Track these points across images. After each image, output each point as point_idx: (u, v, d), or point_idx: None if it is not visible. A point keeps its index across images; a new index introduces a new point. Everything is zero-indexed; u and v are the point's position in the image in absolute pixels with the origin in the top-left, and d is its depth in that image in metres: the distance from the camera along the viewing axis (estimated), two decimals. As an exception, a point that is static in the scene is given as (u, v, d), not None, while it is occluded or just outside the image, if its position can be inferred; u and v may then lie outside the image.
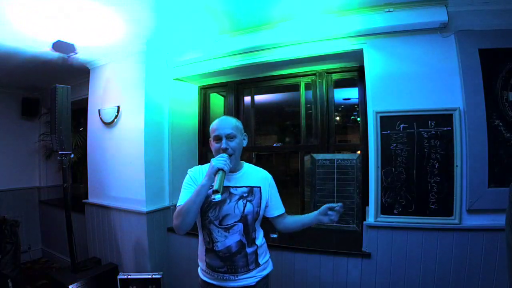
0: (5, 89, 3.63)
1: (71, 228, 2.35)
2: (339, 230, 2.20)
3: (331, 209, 1.26)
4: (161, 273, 2.21)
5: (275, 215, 1.38)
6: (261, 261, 1.32)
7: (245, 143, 1.33)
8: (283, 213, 1.41)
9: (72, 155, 2.39)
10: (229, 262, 1.25)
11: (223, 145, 1.23)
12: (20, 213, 3.53)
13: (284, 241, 2.06)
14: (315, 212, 1.31)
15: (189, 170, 1.34)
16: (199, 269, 1.37)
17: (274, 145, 4.42)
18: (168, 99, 2.62)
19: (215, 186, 1.09)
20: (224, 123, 1.26)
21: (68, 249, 2.34)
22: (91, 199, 2.82)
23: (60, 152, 2.26)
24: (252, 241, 1.29)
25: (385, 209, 1.80)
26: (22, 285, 2.63)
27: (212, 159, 1.19)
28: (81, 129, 3.56)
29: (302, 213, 2.46)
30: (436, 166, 1.72)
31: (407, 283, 1.75)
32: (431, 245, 1.71)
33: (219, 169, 1.13)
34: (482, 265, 1.63)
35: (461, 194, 1.67)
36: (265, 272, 1.34)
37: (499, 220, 1.59)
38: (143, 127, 2.40)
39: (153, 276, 2.18)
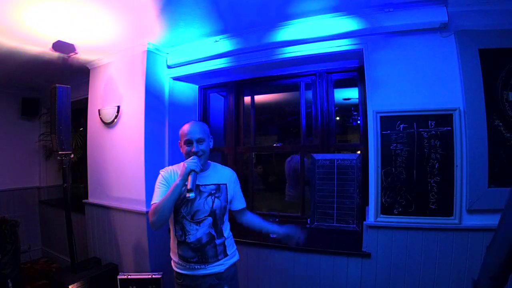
0: (5, 89, 3.63)
1: (71, 228, 2.35)
2: (339, 230, 2.20)
3: (291, 236, 1.49)
4: (161, 273, 2.21)
5: (238, 208, 1.56)
6: (229, 251, 1.47)
7: (211, 144, 1.48)
8: (244, 207, 1.59)
9: (72, 155, 2.39)
10: (200, 253, 1.38)
11: (195, 149, 1.37)
12: (20, 213, 3.53)
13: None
14: (282, 230, 1.51)
15: (160, 170, 1.47)
16: (171, 262, 1.50)
17: (274, 145, 4.42)
18: (168, 99, 2.62)
19: (190, 185, 1.22)
20: (194, 129, 1.40)
21: (68, 249, 2.35)
22: (91, 199, 2.82)
23: (60, 152, 2.26)
24: (220, 233, 1.44)
25: (385, 209, 1.80)
26: (22, 285, 2.63)
27: (185, 161, 1.33)
28: (81, 129, 3.56)
29: (302, 213, 2.46)
30: (436, 166, 1.72)
31: (407, 283, 1.75)
32: (431, 245, 1.71)
33: (191, 170, 1.27)
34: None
35: (461, 194, 1.67)
36: (232, 260, 1.48)
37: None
38: (143, 127, 2.40)
39: (153, 276, 2.18)
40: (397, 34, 1.82)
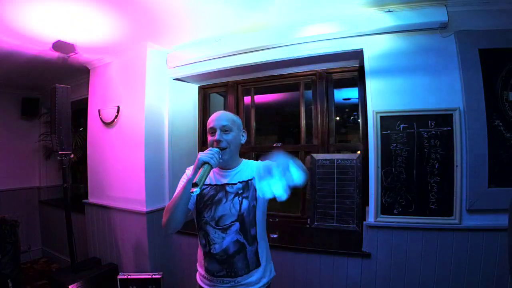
0: (5, 89, 3.63)
1: (71, 228, 2.35)
2: (339, 230, 2.20)
3: None
4: (161, 273, 2.21)
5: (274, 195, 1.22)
6: (262, 260, 1.22)
7: (243, 139, 1.25)
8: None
9: (72, 155, 2.39)
10: (227, 265, 1.16)
11: (217, 137, 1.15)
12: (20, 213, 3.52)
13: (284, 241, 2.06)
14: None
15: (187, 168, 1.28)
16: (197, 274, 1.29)
17: (274, 145, 4.41)
18: (168, 99, 2.62)
19: (196, 179, 1.00)
20: (220, 116, 1.20)
21: (68, 249, 2.35)
22: (91, 199, 2.82)
23: (60, 152, 2.26)
24: (252, 240, 1.19)
25: (385, 209, 1.80)
26: (22, 285, 2.63)
27: (200, 152, 1.13)
28: (81, 129, 3.56)
29: (303, 213, 2.46)
30: (436, 166, 1.72)
31: (407, 283, 1.75)
32: (431, 245, 1.71)
33: (204, 162, 1.05)
34: (482, 265, 1.63)
35: (461, 194, 1.67)
36: (266, 276, 1.23)
37: (499, 220, 1.59)
38: (143, 127, 2.40)
39: (153, 276, 2.18)
40: (397, 34, 1.82)
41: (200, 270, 1.25)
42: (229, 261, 1.16)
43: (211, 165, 1.06)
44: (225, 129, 1.17)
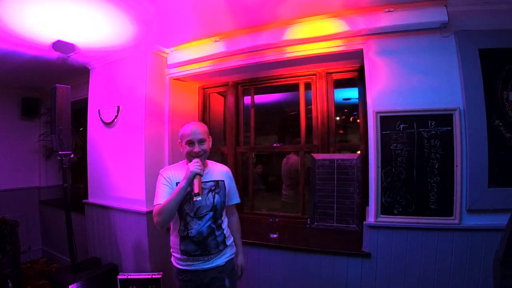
0: (5, 89, 3.63)
1: (71, 228, 2.35)
2: (339, 230, 2.20)
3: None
4: (161, 273, 2.22)
5: (232, 203, 1.63)
6: (227, 242, 1.54)
7: (210, 144, 1.54)
8: (236, 204, 1.66)
9: (72, 155, 2.39)
10: (203, 245, 1.43)
11: (197, 149, 1.43)
12: (20, 213, 3.52)
13: (284, 241, 2.06)
14: (238, 259, 1.66)
15: (160, 170, 1.52)
16: (172, 258, 1.54)
17: (274, 145, 4.42)
18: (168, 99, 2.62)
19: (196, 189, 1.28)
20: (196, 129, 1.45)
21: (68, 249, 2.35)
22: (91, 199, 2.82)
23: (60, 152, 2.27)
24: (219, 226, 1.50)
25: (385, 209, 1.80)
26: (22, 285, 2.63)
27: (189, 164, 1.37)
28: (81, 129, 3.56)
29: (303, 213, 2.47)
30: (436, 166, 1.72)
31: (407, 283, 1.75)
32: (431, 245, 1.71)
33: (196, 174, 1.32)
34: (482, 265, 1.63)
35: (461, 194, 1.67)
36: (231, 252, 1.56)
37: (499, 220, 1.59)
38: (143, 127, 2.40)
39: (153, 276, 2.18)
40: (397, 34, 1.82)
41: (176, 254, 1.50)
42: (204, 242, 1.44)
43: (201, 175, 1.35)
44: (201, 141, 1.45)
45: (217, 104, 3.10)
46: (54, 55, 2.52)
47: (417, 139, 1.76)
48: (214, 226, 1.47)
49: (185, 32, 2.27)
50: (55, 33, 2.16)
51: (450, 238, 1.68)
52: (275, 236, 2.13)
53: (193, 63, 2.46)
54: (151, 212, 2.36)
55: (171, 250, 1.55)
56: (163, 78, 2.60)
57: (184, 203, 1.41)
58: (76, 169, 3.70)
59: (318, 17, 1.97)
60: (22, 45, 2.33)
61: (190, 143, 1.44)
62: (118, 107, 2.56)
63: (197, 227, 1.43)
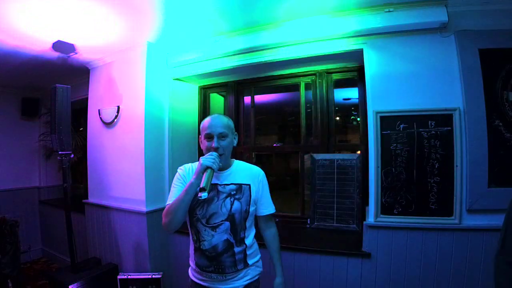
0: (5, 89, 3.63)
1: (71, 228, 2.35)
2: (339, 230, 2.20)
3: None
4: (161, 273, 2.22)
5: (262, 214, 1.35)
6: (250, 261, 1.28)
7: (235, 142, 1.31)
8: (270, 215, 1.37)
9: (72, 155, 2.39)
10: (216, 262, 1.21)
11: (215, 144, 1.20)
12: (20, 213, 3.52)
13: (284, 241, 2.05)
14: (277, 278, 1.35)
15: (178, 168, 1.32)
16: (189, 269, 1.35)
17: (274, 145, 4.42)
18: (168, 99, 2.62)
19: (202, 184, 1.09)
20: (216, 122, 1.24)
21: (68, 249, 2.35)
22: (91, 199, 2.82)
23: (60, 152, 2.26)
24: (240, 241, 1.25)
25: (385, 209, 1.80)
26: (22, 285, 2.63)
27: (201, 157, 1.18)
28: (81, 129, 3.56)
29: (303, 213, 2.47)
30: (436, 166, 1.72)
31: (407, 283, 1.75)
32: (431, 245, 1.71)
33: (207, 167, 1.13)
34: (482, 265, 1.63)
35: (461, 194, 1.67)
36: (253, 274, 1.30)
37: (499, 220, 1.58)
38: (143, 127, 2.40)
39: (153, 276, 2.18)
40: (397, 34, 1.82)
41: (192, 264, 1.31)
42: (218, 259, 1.21)
43: (213, 170, 1.14)
44: (221, 136, 1.23)
45: (217, 104, 3.11)
46: (54, 55, 2.52)
47: (417, 139, 1.76)
48: (233, 241, 1.22)
49: (185, 32, 2.26)
50: (55, 33, 2.16)
51: (450, 238, 1.68)
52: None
53: (193, 62, 2.46)
54: (151, 212, 2.39)
55: (189, 259, 1.34)
56: (163, 78, 2.60)
57: (196, 205, 1.22)
58: (76, 169, 3.70)
59: (318, 17, 1.97)
60: (22, 45, 2.33)
61: (209, 137, 1.22)
62: (118, 107, 2.56)
63: (210, 239, 1.20)
